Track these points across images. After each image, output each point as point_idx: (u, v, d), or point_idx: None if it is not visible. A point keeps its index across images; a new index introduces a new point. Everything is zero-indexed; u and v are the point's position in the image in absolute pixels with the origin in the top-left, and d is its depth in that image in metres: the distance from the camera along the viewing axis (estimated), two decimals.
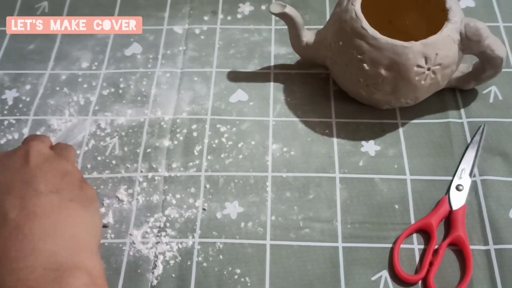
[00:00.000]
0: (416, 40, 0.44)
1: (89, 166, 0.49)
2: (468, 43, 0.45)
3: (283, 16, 0.49)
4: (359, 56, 0.45)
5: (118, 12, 0.61)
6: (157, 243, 0.44)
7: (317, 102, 0.52)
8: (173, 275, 0.42)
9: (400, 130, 0.50)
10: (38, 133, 0.51)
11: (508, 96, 0.52)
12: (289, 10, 0.49)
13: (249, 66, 0.56)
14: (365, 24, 0.45)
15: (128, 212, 0.46)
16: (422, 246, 0.44)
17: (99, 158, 0.49)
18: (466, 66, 0.50)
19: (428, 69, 0.44)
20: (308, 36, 0.51)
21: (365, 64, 0.45)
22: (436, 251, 0.43)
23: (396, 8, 0.52)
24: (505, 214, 0.44)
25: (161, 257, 0.43)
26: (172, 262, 0.43)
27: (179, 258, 0.43)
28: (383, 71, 0.45)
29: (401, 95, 0.47)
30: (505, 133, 0.49)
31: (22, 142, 0.43)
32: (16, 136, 0.51)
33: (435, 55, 0.44)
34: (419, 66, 0.44)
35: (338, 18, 0.47)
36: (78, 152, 0.50)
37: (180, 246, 0.44)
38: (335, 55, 0.48)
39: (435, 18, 0.47)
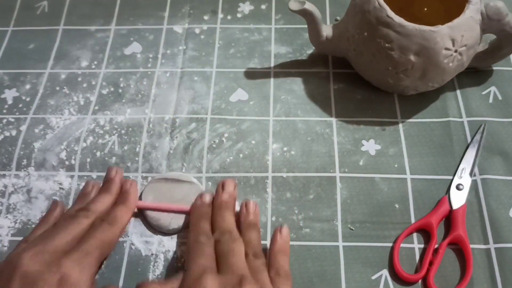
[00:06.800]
0: (430, 25, 0.45)
1: (88, 164, 0.49)
2: (489, 22, 0.46)
3: (303, 13, 0.49)
4: (387, 45, 0.45)
5: (118, 11, 0.61)
6: (157, 242, 0.44)
7: (317, 101, 0.52)
8: (174, 274, 0.42)
9: (401, 129, 0.50)
10: (36, 130, 0.51)
11: (508, 96, 0.52)
12: (309, 6, 0.48)
13: (249, 66, 0.56)
14: (390, 12, 0.45)
15: None
16: (422, 245, 0.44)
17: (97, 154, 0.49)
18: (481, 45, 0.50)
19: (455, 51, 0.45)
20: (327, 30, 0.51)
21: (393, 52, 0.45)
22: (436, 250, 0.43)
23: None
24: (505, 213, 0.44)
25: (161, 256, 0.43)
26: (172, 261, 0.43)
27: (180, 257, 0.43)
28: (412, 57, 0.45)
29: (429, 79, 0.47)
30: (505, 132, 0.49)
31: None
32: (13, 133, 0.51)
33: (461, 36, 0.45)
34: (447, 49, 0.45)
35: (359, 9, 0.47)
36: (76, 148, 0.49)
37: (181, 245, 0.44)
38: (359, 46, 0.48)
39: (452, 1, 0.48)
